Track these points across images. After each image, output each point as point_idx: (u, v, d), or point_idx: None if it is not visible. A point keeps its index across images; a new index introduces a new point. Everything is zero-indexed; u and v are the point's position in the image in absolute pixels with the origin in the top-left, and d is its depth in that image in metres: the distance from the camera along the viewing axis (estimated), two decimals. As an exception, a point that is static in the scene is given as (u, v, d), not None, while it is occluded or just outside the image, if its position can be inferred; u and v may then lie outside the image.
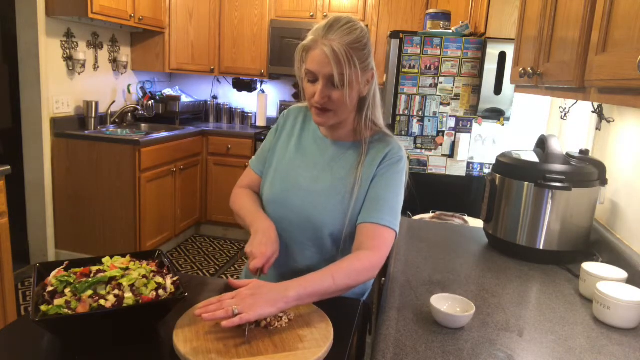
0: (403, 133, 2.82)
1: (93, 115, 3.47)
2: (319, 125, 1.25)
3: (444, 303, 1.07)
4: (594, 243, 1.50)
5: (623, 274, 1.20)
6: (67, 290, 0.93)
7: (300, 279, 1.03)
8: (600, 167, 1.45)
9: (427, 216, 2.28)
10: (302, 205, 1.23)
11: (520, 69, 1.50)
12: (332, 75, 1.10)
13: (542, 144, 1.53)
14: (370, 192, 1.20)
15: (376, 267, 1.12)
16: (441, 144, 2.81)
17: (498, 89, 2.64)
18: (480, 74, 2.68)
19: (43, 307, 0.89)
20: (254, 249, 1.14)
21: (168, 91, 4.36)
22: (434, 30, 2.87)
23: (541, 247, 1.43)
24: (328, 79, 1.12)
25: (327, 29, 1.11)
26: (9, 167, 2.24)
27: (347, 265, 1.08)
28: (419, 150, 2.83)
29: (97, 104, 3.49)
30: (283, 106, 4.49)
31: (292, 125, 1.35)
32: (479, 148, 2.78)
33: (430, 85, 2.76)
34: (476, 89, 2.71)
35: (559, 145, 1.47)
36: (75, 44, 3.38)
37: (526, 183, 1.44)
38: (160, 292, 0.98)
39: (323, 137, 1.29)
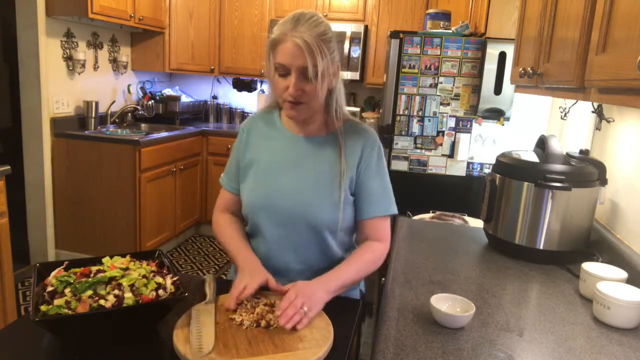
0: (403, 133, 2.82)
1: (93, 115, 3.47)
2: (293, 119, 1.23)
3: (444, 303, 1.07)
4: (594, 243, 1.50)
5: (623, 274, 1.20)
6: (67, 290, 0.93)
7: (333, 276, 1.15)
8: (600, 167, 1.45)
9: (427, 216, 2.28)
10: (294, 206, 1.22)
11: (520, 69, 1.50)
12: (305, 67, 1.11)
13: (542, 144, 1.53)
14: (364, 188, 1.26)
15: (385, 255, 1.28)
16: (441, 144, 2.81)
17: (498, 89, 2.64)
18: (480, 74, 2.68)
19: (43, 307, 0.89)
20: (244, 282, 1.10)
21: (168, 91, 4.36)
22: (434, 30, 2.86)
23: (541, 247, 1.43)
24: (301, 71, 1.12)
25: (294, 22, 1.12)
26: (9, 167, 2.24)
27: (366, 258, 1.23)
28: (419, 150, 2.83)
29: (97, 104, 3.49)
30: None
31: (256, 135, 1.32)
32: (479, 148, 2.78)
33: (430, 85, 2.76)
34: (476, 89, 2.71)
35: (559, 145, 1.47)
36: (75, 44, 3.38)
37: (526, 183, 1.44)
38: (160, 292, 0.98)
39: (294, 136, 1.28)
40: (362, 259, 1.22)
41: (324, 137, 1.27)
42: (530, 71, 1.43)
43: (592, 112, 1.77)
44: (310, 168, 1.25)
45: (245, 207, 1.28)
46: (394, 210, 1.28)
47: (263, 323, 0.99)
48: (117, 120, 3.81)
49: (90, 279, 0.95)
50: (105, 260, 1.06)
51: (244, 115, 4.59)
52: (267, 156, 1.28)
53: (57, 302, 0.90)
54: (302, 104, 1.17)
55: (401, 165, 2.83)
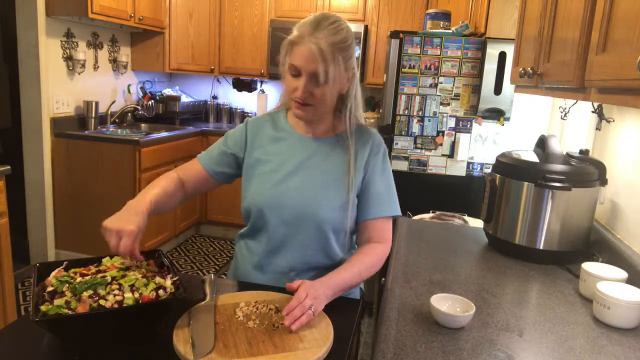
0: (403, 133, 2.82)
1: (93, 115, 3.47)
2: (300, 119, 1.24)
3: (444, 303, 1.07)
4: (594, 243, 1.50)
5: (623, 274, 1.20)
6: (67, 290, 0.93)
7: (335, 278, 1.13)
8: (600, 167, 1.45)
9: (427, 216, 2.28)
10: (301, 205, 1.23)
11: (520, 69, 1.50)
12: (316, 72, 1.12)
13: (542, 144, 1.53)
14: (369, 189, 1.26)
15: (385, 258, 1.27)
16: (441, 144, 2.81)
17: (498, 89, 2.64)
18: (480, 74, 2.68)
19: (43, 307, 0.89)
20: (111, 224, 1.04)
21: (168, 91, 4.36)
22: (434, 30, 2.86)
23: (541, 247, 1.43)
24: (311, 75, 1.14)
25: (315, 26, 1.14)
26: (9, 167, 2.24)
27: (368, 261, 1.22)
28: (419, 150, 2.83)
29: (97, 104, 3.49)
30: (283, 106, 4.49)
31: (263, 138, 1.32)
32: (479, 148, 2.78)
33: (430, 85, 2.76)
34: (476, 89, 2.71)
35: (559, 145, 1.47)
36: (75, 44, 3.38)
37: (526, 183, 1.44)
38: (160, 292, 0.98)
39: (302, 136, 1.29)
40: (363, 262, 1.21)
41: (332, 138, 1.29)
42: (530, 71, 1.43)
43: (592, 112, 1.77)
44: (318, 168, 1.26)
45: (250, 206, 1.27)
46: (398, 211, 1.29)
47: (266, 322, 1.00)
48: (117, 120, 3.81)
49: (90, 279, 0.95)
50: (105, 260, 1.06)
51: (244, 115, 4.59)
52: (276, 157, 1.29)
53: (57, 302, 0.90)
54: (310, 106, 1.18)
55: (401, 165, 2.83)
